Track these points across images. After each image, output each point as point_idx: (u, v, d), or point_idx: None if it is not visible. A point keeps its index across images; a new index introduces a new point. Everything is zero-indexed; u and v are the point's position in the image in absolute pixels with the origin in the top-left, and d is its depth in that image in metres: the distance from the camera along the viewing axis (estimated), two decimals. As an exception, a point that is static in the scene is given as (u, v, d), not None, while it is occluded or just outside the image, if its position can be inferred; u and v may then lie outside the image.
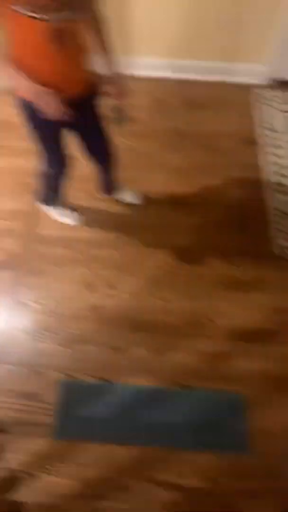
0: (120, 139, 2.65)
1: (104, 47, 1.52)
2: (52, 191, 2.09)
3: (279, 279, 2.15)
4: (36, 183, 2.08)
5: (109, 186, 2.26)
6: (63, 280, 2.11)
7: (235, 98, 2.95)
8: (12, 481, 1.56)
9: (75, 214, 2.29)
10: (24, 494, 1.55)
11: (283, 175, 2.53)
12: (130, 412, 1.77)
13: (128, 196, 2.36)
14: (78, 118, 1.55)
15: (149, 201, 2.40)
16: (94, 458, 1.62)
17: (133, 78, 2.99)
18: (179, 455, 1.64)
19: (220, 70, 2.96)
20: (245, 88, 2.99)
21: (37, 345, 1.92)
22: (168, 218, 2.36)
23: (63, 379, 1.83)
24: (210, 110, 2.86)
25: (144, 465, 1.62)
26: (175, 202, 2.41)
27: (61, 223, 2.27)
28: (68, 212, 2.28)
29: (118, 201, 2.37)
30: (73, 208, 2.31)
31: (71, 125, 1.65)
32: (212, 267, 2.18)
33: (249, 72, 2.97)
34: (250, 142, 2.71)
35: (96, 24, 1.47)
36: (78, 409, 1.77)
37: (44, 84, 1.33)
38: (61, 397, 1.79)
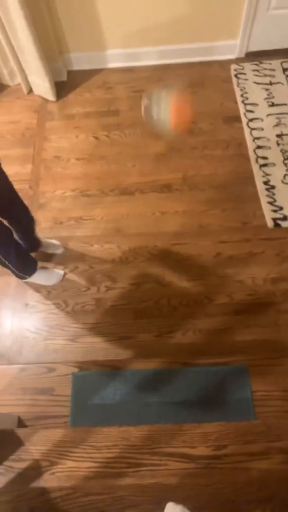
0: (103, 133, 2.73)
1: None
2: (19, 261, 1.97)
3: (272, 250, 2.20)
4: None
5: (34, 244, 2.19)
6: (65, 277, 2.22)
7: (214, 76, 2.96)
8: (35, 470, 1.68)
9: (56, 270, 2.24)
10: (47, 480, 1.67)
11: (266, 147, 2.56)
12: (140, 395, 1.86)
13: (51, 247, 2.30)
14: None
15: (138, 191, 2.48)
16: (109, 440, 1.72)
17: (110, 71, 3.05)
18: (188, 428, 1.73)
19: (197, 51, 2.98)
20: (223, 65, 2.99)
21: (47, 343, 2.04)
22: (156, 204, 2.42)
23: (74, 372, 1.94)
24: (191, 92, 2.89)
25: (156, 441, 1.71)
26: (162, 188, 2.47)
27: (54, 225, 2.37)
28: (48, 271, 2.23)
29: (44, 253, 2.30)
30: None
31: None
32: (205, 247, 2.24)
33: (225, 48, 2.97)
34: (232, 118, 2.73)
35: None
36: (91, 398, 1.87)
37: None
38: (74, 388, 1.90)
